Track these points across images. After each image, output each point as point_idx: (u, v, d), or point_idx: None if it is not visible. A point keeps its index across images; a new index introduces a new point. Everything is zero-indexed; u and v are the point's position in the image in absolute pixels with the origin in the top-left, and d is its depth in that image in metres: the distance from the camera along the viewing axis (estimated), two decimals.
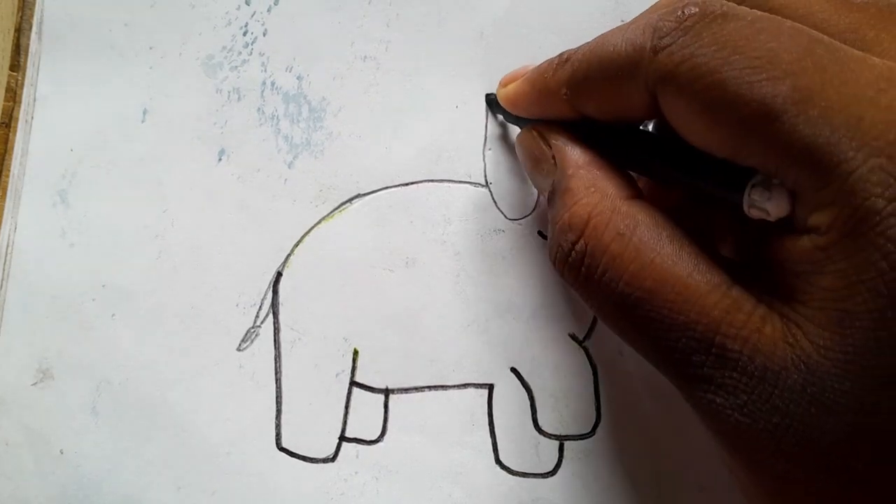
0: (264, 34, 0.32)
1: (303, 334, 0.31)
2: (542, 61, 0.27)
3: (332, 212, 0.31)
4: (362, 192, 0.31)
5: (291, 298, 0.31)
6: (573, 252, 0.23)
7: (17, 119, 0.32)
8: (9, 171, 0.32)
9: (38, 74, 0.32)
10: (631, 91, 0.22)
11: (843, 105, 0.17)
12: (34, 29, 0.32)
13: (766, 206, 0.19)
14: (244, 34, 0.32)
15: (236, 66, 0.32)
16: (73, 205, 0.31)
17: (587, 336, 0.31)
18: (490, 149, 0.31)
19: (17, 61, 0.32)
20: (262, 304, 0.31)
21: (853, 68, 0.18)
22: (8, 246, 0.31)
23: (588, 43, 0.24)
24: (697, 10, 0.20)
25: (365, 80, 0.32)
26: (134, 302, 0.31)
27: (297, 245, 0.31)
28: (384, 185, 0.31)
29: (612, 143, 0.25)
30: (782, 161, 0.18)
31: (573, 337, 0.31)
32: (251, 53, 0.32)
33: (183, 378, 0.31)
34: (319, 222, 0.31)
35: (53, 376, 0.31)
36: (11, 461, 0.30)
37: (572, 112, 0.25)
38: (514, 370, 0.31)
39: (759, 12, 0.20)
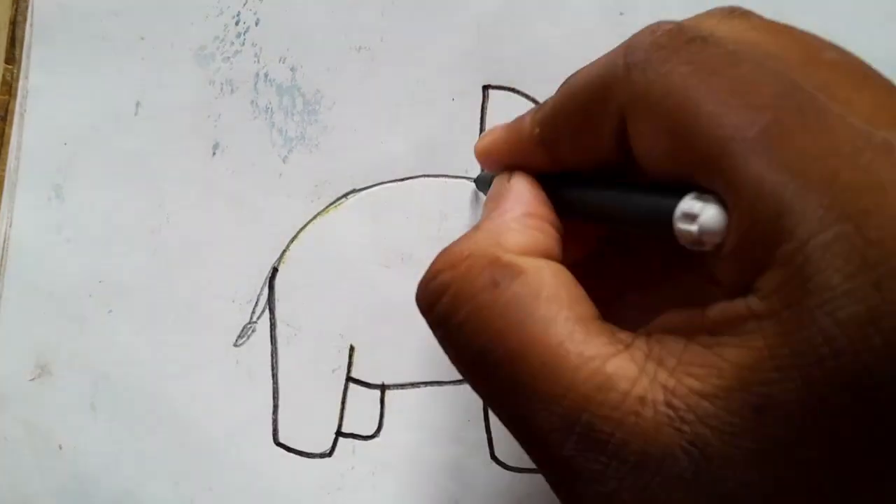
0: (257, 24, 0.31)
1: (299, 330, 0.31)
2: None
3: (327, 207, 0.31)
4: (358, 187, 0.31)
5: (287, 294, 0.31)
6: (433, 283, 0.21)
7: (13, 112, 0.32)
8: (5, 164, 0.32)
9: (30, 66, 0.32)
10: (601, 119, 0.20)
11: (820, 154, 0.16)
12: (27, 21, 0.32)
13: (697, 213, 0.17)
14: (236, 24, 0.31)
15: (229, 57, 0.31)
16: (68, 199, 0.31)
17: None
18: None
19: (13, 54, 0.32)
20: (258, 299, 0.31)
21: (831, 122, 0.16)
22: (4, 241, 0.31)
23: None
24: (672, 27, 0.19)
25: (359, 72, 0.31)
26: (130, 297, 0.31)
27: (292, 240, 0.31)
28: (380, 180, 0.31)
29: (562, 186, 0.23)
30: (745, 201, 0.16)
31: None
32: (244, 44, 0.31)
33: (180, 373, 0.31)
34: (315, 217, 0.31)
35: (51, 372, 0.31)
36: (10, 456, 0.31)
37: (546, 159, 0.23)
38: None
39: (740, 45, 0.18)
